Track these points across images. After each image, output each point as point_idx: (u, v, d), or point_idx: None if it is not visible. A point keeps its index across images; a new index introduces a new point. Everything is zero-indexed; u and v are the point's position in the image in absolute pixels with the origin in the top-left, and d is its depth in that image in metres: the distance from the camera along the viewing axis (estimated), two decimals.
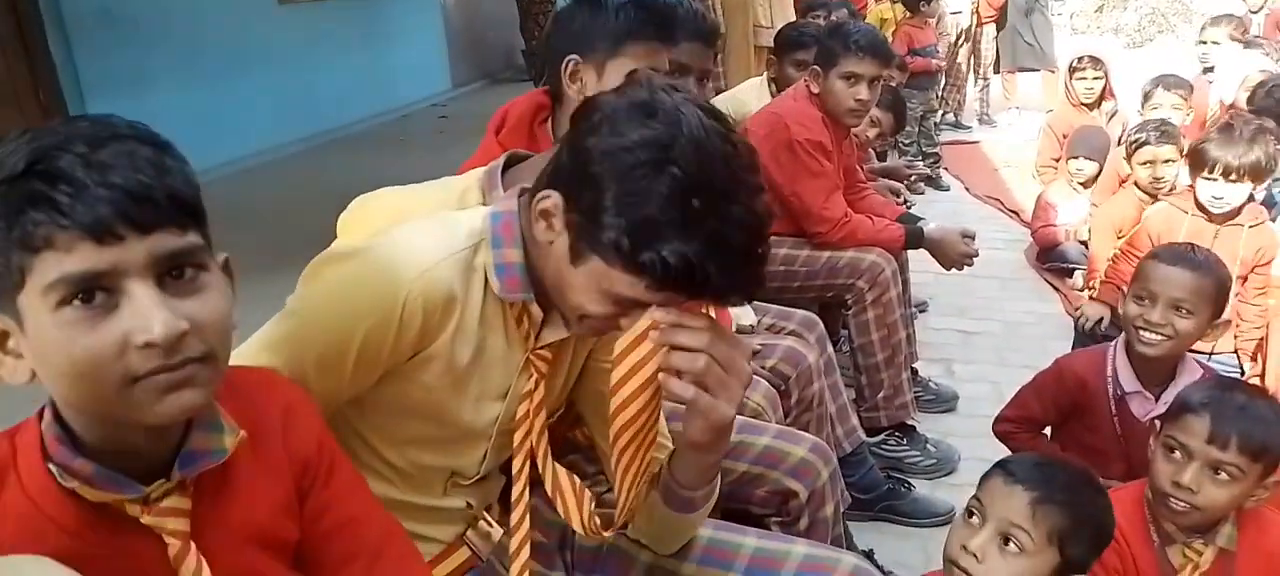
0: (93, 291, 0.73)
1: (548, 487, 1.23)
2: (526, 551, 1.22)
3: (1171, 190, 3.31)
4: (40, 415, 0.82)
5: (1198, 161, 2.78)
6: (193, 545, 0.84)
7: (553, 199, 1.02)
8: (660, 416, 1.11)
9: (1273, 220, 2.95)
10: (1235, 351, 2.83)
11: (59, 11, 4.43)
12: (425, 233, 1.11)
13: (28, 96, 4.11)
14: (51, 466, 0.79)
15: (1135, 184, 3.52)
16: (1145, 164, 3.47)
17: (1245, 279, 2.76)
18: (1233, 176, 2.71)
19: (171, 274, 0.76)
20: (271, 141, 5.71)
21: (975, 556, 1.35)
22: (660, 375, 1.02)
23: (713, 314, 1.96)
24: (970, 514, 1.41)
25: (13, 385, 0.78)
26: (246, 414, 0.89)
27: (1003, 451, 2.01)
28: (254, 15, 5.98)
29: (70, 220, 0.71)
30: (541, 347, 1.17)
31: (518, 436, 1.20)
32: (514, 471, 1.22)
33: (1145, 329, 1.92)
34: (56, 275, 0.72)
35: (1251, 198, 2.83)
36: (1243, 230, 2.77)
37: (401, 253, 1.06)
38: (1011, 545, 1.35)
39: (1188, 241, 2.30)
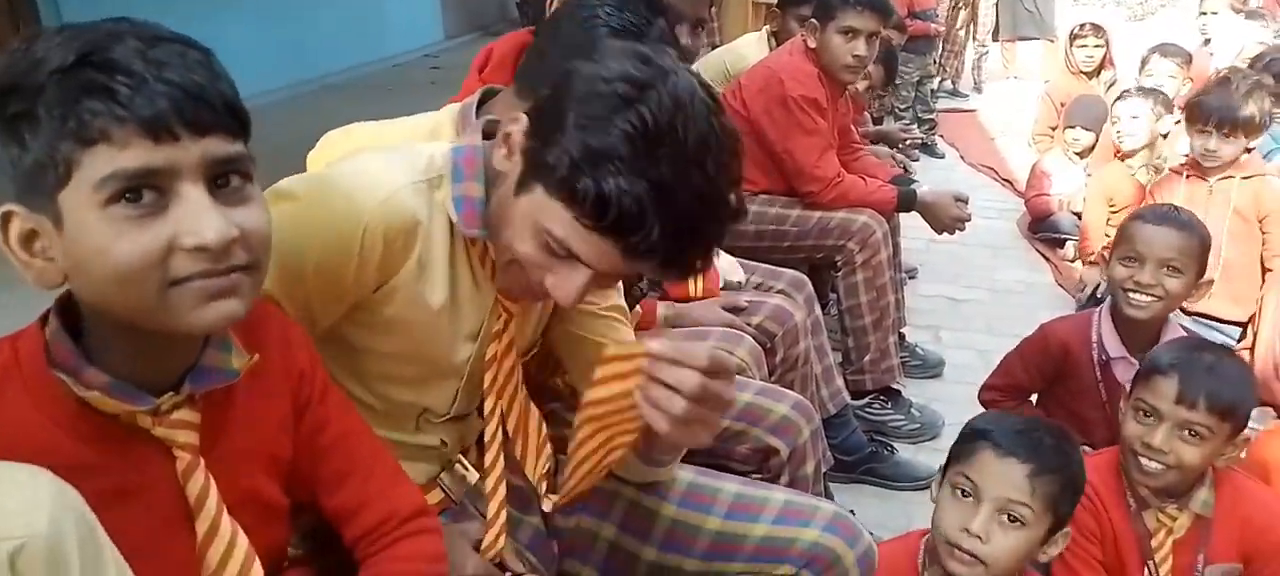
0: (143, 189, 0.72)
1: (510, 427, 1.21)
2: (502, 490, 1.20)
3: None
4: (42, 321, 0.80)
5: (1193, 115, 2.80)
6: (201, 460, 0.84)
7: (520, 124, 0.99)
8: (635, 423, 1.04)
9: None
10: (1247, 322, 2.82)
11: None
12: (385, 161, 1.07)
13: (4, 21, 4.02)
14: (59, 375, 0.77)
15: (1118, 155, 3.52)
16: (1114, 121, 3.54)
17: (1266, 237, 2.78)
18: (1226, 130, 2.72)
19: (219, 182, 0.76)
20: (259, 87, 5.60)
21: (979, 537, 1.35)
22: (638, 395, 0.96)
23: (699, 279, 1.98)
24: (962, 492, 1.40)
25: (40, 288, 0.76)
26: (249, 338, 0.89)
27: None
28: None
29: (129, 112, 0.69)
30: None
31: (488, 377, 1.18)
32: (485, 411, 1.19)
33: (1135, 291, 1.91)
34: (110, 170, 0.70)
35: (1248, 150, 2.83)
36: (1234, 182, 2.79)
37: (361, 180, 1.02)
38: (1011, 519, 1.36)
39: (1170, 203, 2.30)
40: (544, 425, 1.24)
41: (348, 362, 1.13)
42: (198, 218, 0.73)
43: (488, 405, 1.19)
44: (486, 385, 1.18)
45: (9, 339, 0.81)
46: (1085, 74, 4.58)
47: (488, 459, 1.20)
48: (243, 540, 0.87)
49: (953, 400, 2.78)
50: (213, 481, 0.85)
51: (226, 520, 0.86)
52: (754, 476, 1.64)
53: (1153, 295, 1.90)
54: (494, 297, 1.15)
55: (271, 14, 6.06)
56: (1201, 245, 1.95)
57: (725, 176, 0.94)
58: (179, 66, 0.72)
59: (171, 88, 0.71)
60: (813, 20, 2.58)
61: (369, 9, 7.49)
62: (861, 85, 3.42)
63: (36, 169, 0.71)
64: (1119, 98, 3.67)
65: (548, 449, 1.22)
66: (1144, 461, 1.56)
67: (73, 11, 4.45)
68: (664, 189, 0.89)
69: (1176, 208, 2.08)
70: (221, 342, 0.86)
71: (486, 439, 1.20)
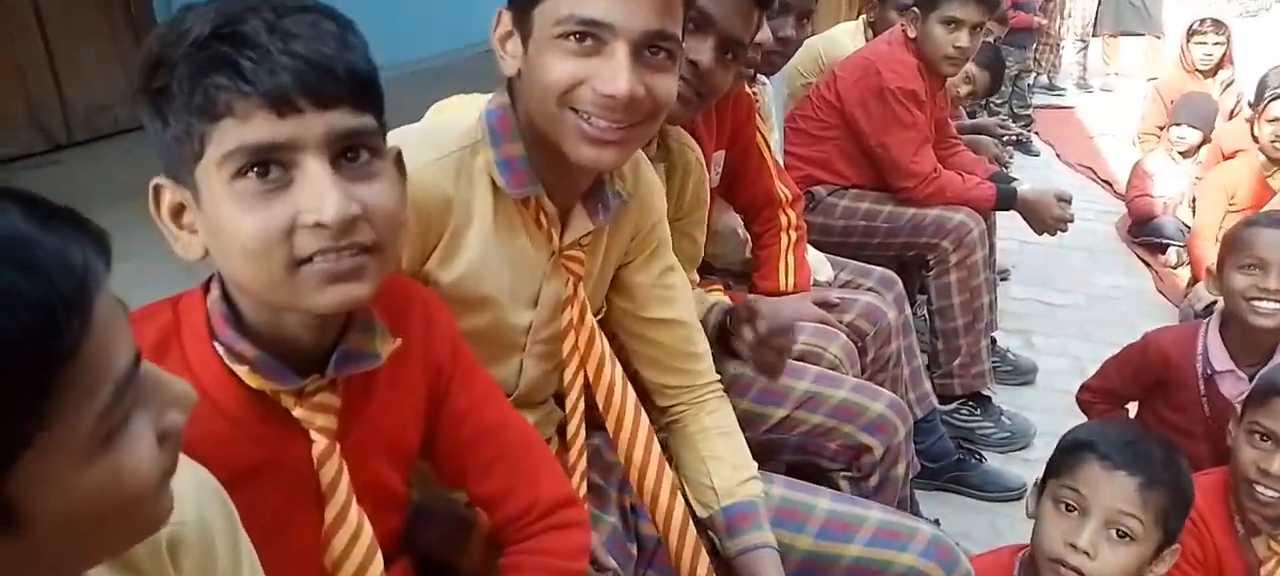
0: (268, 164, 0.71)
1: (600, 400, 1.17)
2: (584, 487, 1.18)
3: None
4: (205, 288, 0.81)
5: None
6: (337, 445, 0.84)
7: (504, 19, 1.01)
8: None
9: None
10: None
11: None
12: (408, 141, 1.06)
13: (119, 4, 4.18)
14: (217, 345, 0.78)
15: (1257, 144, 3.28)
16: (1273, 121, 3.23)
17: None
18: None
19: (347, 156, 0.75)
20: None
21: (1087, 553, 1.30)
22: None
23: (791, 273, 1.93)
24: (1067, 506, 1.34)
25: (186, 259, 0.77)
26: (393, 320, 0.88)
27: None
28: None
29: (252, 86, 0.69)
30: (570, 247, 1.12)
31: (566, 346, 1.15)
32: (565, 382, 1.16)
33: (1261, 298, 1.79)
34: (235, 144, 0.70)
35: None
36: None
37: None
38: (1120, 534, 1.30)
39: None
40: (640, 406, 1.20)
41: None
42: (319, 194, 0.72)
43: (568, 375, 1.16)
44: (566, 353, 1.16)
45: (170, 301, 0.82)
46: (1202, 72, 4.34)
47: (571, 456, 1.18)
48: (368, 530, 0.86)
49: (1045, 408, 2.69)
50: (345, 468, 0.84)
51: (355, 508, 0.86)
52: (842, 474, 1.61)
53: (1278, 302, 1.79)
54: (554, 259, 1.12)
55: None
56: None
57: None
58: (308, 38, 0.71)
59: (296, 60, 0.70)
60: (914, 9, 2.50)
61: None
62: (964, 90, 3.31)
63: (175, 143, 0.72)
64: (1274, 99, 3.29)
65: (646, 424, 1.19)
66: (1260, 489, 1.49)
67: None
68: None
69: None
70: (365, 324, 0.84)
71: (568, 409, 1.17)
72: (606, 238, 1.19)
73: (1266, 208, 2.99)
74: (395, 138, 1.07)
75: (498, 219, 1.08)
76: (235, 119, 0.70)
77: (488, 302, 1.10)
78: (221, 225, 0.73)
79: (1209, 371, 1.89)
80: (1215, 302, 2.60)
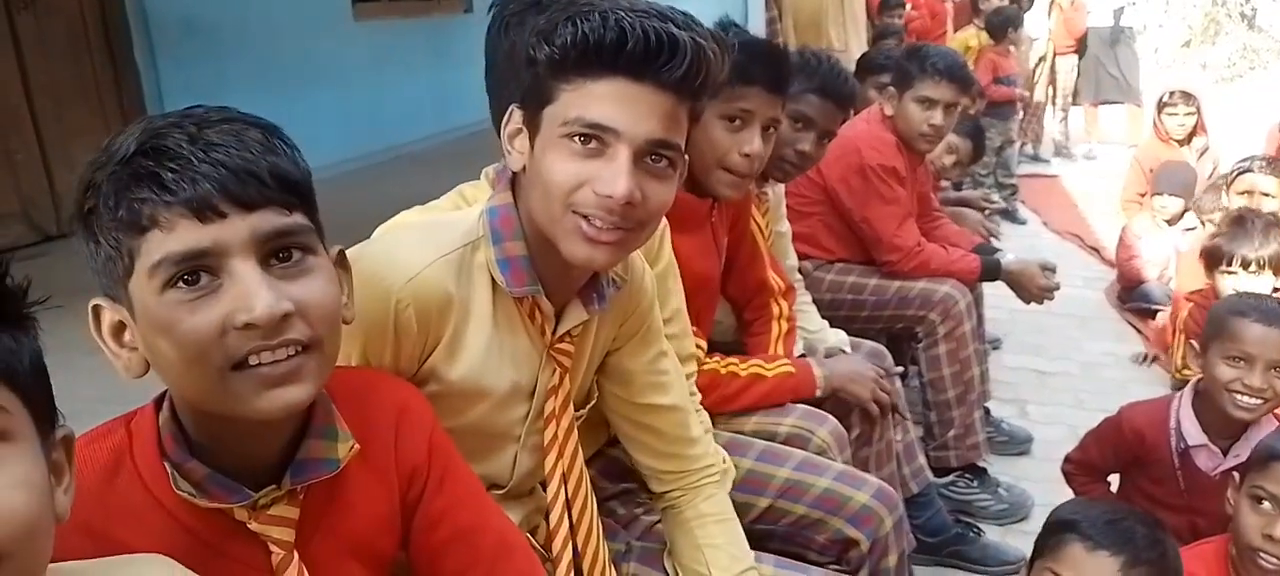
0: (197, 271, 0.71)
1: (571, 490, 1.18)
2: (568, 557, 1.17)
3: None
4: (157, 403, 0.81)
5: (1214, 259, 2.78)
6: (296, 554, 0.82)
7: (515, 116, 1.04)
8: None
9: None
10: None
11: (145, 20, 4.58)
12: (411, 238, 1.08)
13: (110, 99, 4.25)
14: (167, 465, 0.77)
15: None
16: (1244, 193, 3.32)
17: None
18: (1252, 268, 2.69)
19: (278, 256, 0.74)
20: (338, 155, 5.79)
21: None
22: None
23: (782, 344, 1.94)
24: None
25: (128, 378, 0.77)
26: (360, 419, 0.87)
27: None
28: (328, 31, 6.11)
29: (174, 195, 0.70)
30: (560, 339, 1.13)
31: (547, 435, 1.16)
32: (546, 470, 1.17)
33: (1244, 393, 1.79)
34: (160, 254, 0.71)
35: None
36: None
37: (388, 261, 1.03)
38: None
39: (1270, 294, 2.21)
40: (593, 499, 1.21)
41: None
42: (248, 294, 0.71)
43: (548, 462, 1.17)
44: (547, 441, 1.16)
45: (123, 419, 0.81)
46: (1177, 141, 4.42)
47: (556, 545, 1.17)
48: None
49: (1042, 478, 2.66)
50: (307, 574, 0.83)
51: None
52: (833, 567, 1.57)
53: (1262, 398, 1.79)
54: (546, 354, 1.14)
55: (354, 84, 6.29)
56: None
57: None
58: (230, 145, 0.72)
59: (217, 166, 0.71)
60: (891, 88, 2.56)
61: (447, 80, 7.70)
62: (949, 160, 3.35)
63: (108, 262, 0.73)
64: (1242, 172, 3.41)
65: (596, 526, 1.20)
66: (1264, 557, 1.46)
67: (174, 98, 4.72)
68: (618, 4, 0.97)
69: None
70: (325, 428, 0.83)
71: (550, 498, 1.17)
72: (597, 324, 1.20)
73: None
74: (397, 235, 1.09)
75: (497, 315, 1.09)
76: (160, 230, 0.70)
77: (488, 397, 1.11)
78: (155, 337, 0.73)
79: (1183, 446, 1.88)
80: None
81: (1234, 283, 2.70)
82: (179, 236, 0.70)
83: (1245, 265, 2.68)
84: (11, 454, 0.58)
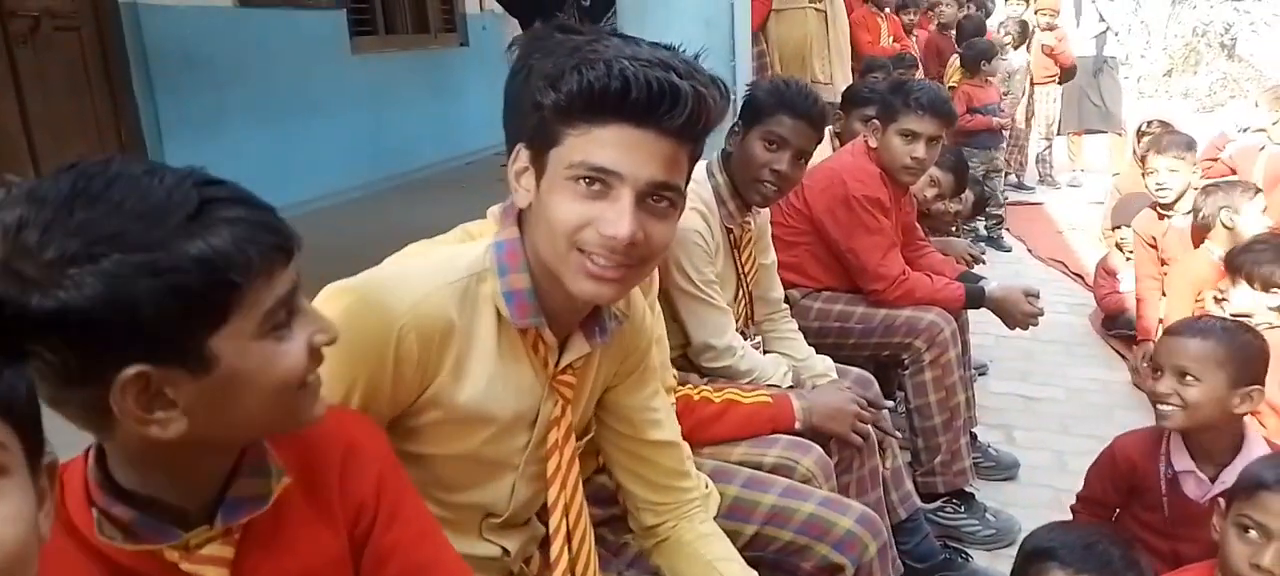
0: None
1: (572, 520, 1.21)
2: None
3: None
4: (87, 455, 0.81)
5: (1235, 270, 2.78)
6: None
7: (522, 155, 1.07)
8: None
9: None
10: None
11: (144, 53, 4.62)
12: (416, 267, 1.11)
13: (109, 133, 4.30)
14: (95, 511, 0.78)
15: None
16: (1153, 172, 3.58)
17: None
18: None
19: None
20: (338, 185, 5.84)
21: None
22: None
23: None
24: None
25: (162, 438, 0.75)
26: (304, 457, 0.88)
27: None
28: (327, 65, 6.17)
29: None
30: (563, 370, 1.17)
31: (551, 465, 1.19)
32: (549, 501, 1.20)
33: (1158, 401, 1.84)
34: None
35: None
36: None
37: (391, 287, 1.06)
38: None
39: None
40: (592, 532, 1.25)
41: (410, 475, 1.16)
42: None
43: (551, 494, 1.19)
44: (550, 472, 1.19)
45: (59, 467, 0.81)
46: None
47: (553, 549, 1.20)
48: None
49: (1029, 504, 2.69)
50: None
51: None
52: None
53: (1172, 404, 1.81)
54: (548, 385, 1.17)
55: (353, 116, 6.35)
56: (1228, 352, 1.81)
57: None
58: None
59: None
60: (875, 121, 2.62)
61: (445, 111, 7.78)
62: (931, 193, 3.40)
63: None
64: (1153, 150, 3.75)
65: (594, 559, 1.22)
66: None
67: (172, 132, 4.76)
68: (622, 52, 1.00)
69: (1212, 316, 2.01)
70: (256, 467, 0.84)
71: (552, 529, 1.20)
72: (598, 358, 1.24)
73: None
74: (403, 263, 1.13)
75: (501, 345, 1.12)
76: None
77: (491, 424, 1.14)
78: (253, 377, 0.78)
79: (1171, 472, 1.90)
80: None
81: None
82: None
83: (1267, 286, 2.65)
84: (8, 488, 0.58)
